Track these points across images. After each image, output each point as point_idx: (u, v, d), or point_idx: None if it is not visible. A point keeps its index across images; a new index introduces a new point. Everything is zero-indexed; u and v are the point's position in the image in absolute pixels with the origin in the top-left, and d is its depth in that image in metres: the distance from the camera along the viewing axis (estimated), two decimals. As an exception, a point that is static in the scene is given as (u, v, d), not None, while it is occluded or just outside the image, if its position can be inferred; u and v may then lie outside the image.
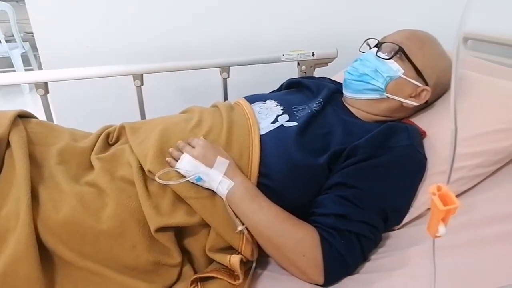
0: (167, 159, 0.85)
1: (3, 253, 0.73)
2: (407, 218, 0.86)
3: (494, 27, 1.39)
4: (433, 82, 0.97)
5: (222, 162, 0.82)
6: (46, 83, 1.21)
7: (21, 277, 0.71)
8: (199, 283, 0.78)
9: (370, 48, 1.03)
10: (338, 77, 1.29)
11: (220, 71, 1.37)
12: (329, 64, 1.47)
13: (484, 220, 0.80)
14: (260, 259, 0.84)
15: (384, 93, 0.96)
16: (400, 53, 0.95)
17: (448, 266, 0.73)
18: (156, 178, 0.79)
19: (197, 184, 0.82)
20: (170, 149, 0.87)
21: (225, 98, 1.42)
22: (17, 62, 3.42)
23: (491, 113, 0.88)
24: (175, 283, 0.81)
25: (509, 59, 1.31)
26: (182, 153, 0.85)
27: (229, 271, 0.79)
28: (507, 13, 1.35)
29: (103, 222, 0.78)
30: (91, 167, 0.91)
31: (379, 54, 0.97)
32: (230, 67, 1.36)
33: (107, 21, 1.50)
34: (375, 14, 1.70)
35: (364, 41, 1.05)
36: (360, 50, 1.04)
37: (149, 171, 0.83)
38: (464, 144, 0.87)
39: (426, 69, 0.96)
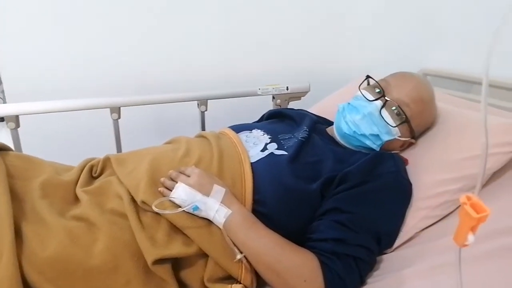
0: (160, 189, 0.84)
1: None
2: (398, 242, 0.88)
3: (452, 64, 1.52)
4: (419, 134, 1.04)
5: (219, 190, 0.82)
6: (17, 116, 1.16)
7: None
8: (198, 317, 0.76)
9: (368, 83, 1.03)
10: (313, 109, 1.34)
11: (198, 104, 1.38)
12: (301, 98, 1.52)
13: (487, 233, 0.83)
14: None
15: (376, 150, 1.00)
16: (404, 123, 0.97)
17: (441, 285, 0.75)
18: (153, 207, 0.77)
19: (192, 214, 0.80)
20: (162, 179, 0.85)
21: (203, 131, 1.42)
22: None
23: (467, 141, 0.95)
24: (171, 318, 0.77)
25: (466, 94, 1.43)
26: (176, 182, 0.83)
27: (230, 302, 0.76)
28: (465, 51, 1.49)
29: (95, 257, 0.74)
30: (76, 200, 0.87)
31: (384, 115, 0.96)
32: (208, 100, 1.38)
33: (75, 53, 1.48)
34: (346, 52, 1.80)
35: (365, 78, 1.04)
36: (360, 89, 1.02)
37: (143, 202, 0.81)
38: (446, 169, 0.92)
39: (419, 128, 1.02)
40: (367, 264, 0.81)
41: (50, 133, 1.46)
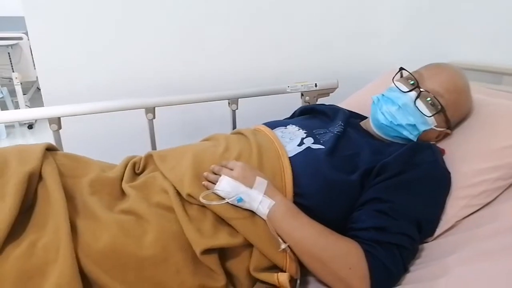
0: (203, 182, 0.86)
1: (46, 286, 0.70)
2: (438, 231, 0.89)
3: (480, 57, 1.51)
4: (455, 124, 1.04)
5: (262, 182, 0.84)
6: (59, 118, 1.21)
7: None
8: (245, 305, 0.78)
9: (401, 76, 1.03)
10: (343, 105, 1.35)
11: (229, 103, 1.41)
12: (330, 94, 1.54)
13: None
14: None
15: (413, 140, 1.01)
16: (440, 113, 0.97)
17: (487, 271, 0.76)
18: (201, 199, 0.80)
19: (236, 206, 0.83)
20: (205, 173, 0.88)
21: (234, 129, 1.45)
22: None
23: (503, 129, 0.95)
24: (219, 307, 0.80)
25: (497, 85, 1.42)
26: (219, 176, 0.86)
27: (277, 290, 0.78)
28: (493, 43, 1.48)
29: (146, 248, 0.77)
30: (123, 195, 0.90)
31: (419, 106, 0.97)
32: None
33: (110, 57, 1.53)
34: (372, 48, 1.81)
35: (399, 70, 1.05)
36: (394, 81, 1.03)
37: (189, 195, 0.83)
38: (484, 159, 0.93)
39: (454, 118, 1.02)
40: (409, 252, 0.82)
41: (87, 133, 1.51)
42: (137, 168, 1.00)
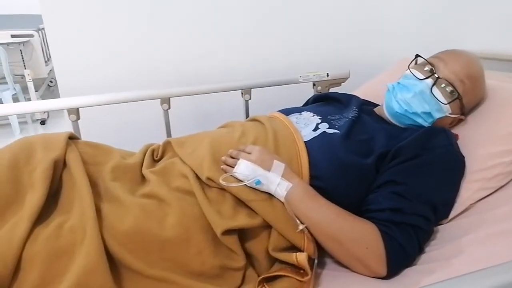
0: (222, 166, 0.89)
1: (73, 266, 0.73)
2: (453, 213, 0.91)
3: (492, 44, 1.51)
4: (469, 110, 1.04)
5: (279, 165, 0.86)
6: (77, 109, 1.24)
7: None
8: (265, 284, 0.80)
9: (416, 63, 1.03)
10: (356, 93, 1.36)
11: (242, 93, 1.43)
12: (342, 84, 1.55)
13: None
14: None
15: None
16: (456, 100, 0.97)
17: (501, 251, 0.77)
18: (220, 181, 0.82)
19: (254, 188, 0.85)
20: (223, 157, 0.90)
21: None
22: (8, 103, 3.40)
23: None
24: (239, 287, 0.82)
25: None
26: (237, 160, 0.88)
27: (295, 269, 0.80)
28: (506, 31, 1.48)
29: (168, 230, 0.79)
30: (143, 180, 0.93)
31: (436, 93, 0.97)
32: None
33: (124, 51, 1.56)
34: (383, 38, 1.82)
35: (415, 57, 1.05)
36: (410, 68, 1.03)
37: (208, 178, 0.86)
38: (498, 143, 0.94)
39: (469, 104, 1.02)
40: (425, 232, 0.84)
41: (103, 124, 1.54)
42: (155, 155, 1.02)
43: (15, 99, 3.63)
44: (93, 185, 0.86)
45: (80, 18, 1.46)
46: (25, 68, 3.58)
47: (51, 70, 4.04)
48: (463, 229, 0.86)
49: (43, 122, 3.68)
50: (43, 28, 3.80)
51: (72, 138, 0.98)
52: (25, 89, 3.63)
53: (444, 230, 0.89)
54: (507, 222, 0.82)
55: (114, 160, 0.96)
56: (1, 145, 0.87)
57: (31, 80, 3.55)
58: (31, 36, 3.62)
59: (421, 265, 0.82)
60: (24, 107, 1.15)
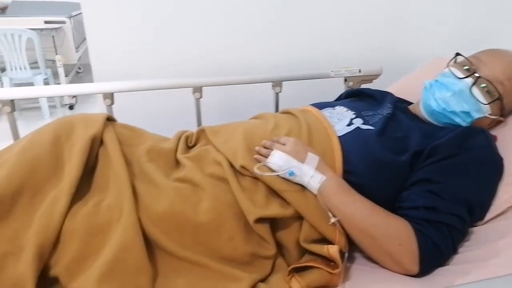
0: (255, 156, 0.89)
1: (110, 242, 0.75)
2: (489, 215, 0.88)
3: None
4: (509, 111, 1.00)
5: (313, 157, 0.86)
6: (112, 94, 1.26)
7: (130, 264, 0.73)
8: (295, 274, 0.80)
9: (456, 61, 1.01)
10: (389, 90, 1.34)
11: (273, 85, 1.43)
12: (373, 81, 1.53)
13: None
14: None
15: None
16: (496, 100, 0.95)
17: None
18: (255, 169, 0.83)
19: (287, 179, 0.85)
20: (257, 147, 0.91)
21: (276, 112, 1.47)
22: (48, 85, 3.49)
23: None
24: (268, 275, 0.82)
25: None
26: (270, 150, 0.89)
27: (326, 261, 0.81)
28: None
29: (201, 214, 0.80)
30: (177, 165, 0.94)
31: (475, 93, 0.94)
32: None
33: (158, 39, 1.58)
34: (417, 34, 1.79)
35: (455, 56, 1.02)
36: (449, 67, 1.00)
37: (242, 167, 0.86)
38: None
39: (509, 106, 0.98)
40: (459, 232, 0.82)
41: (134, 110, 1.56)
42: (189, 142, 1.04)
43: (46, 84, 3.73)
44: (128, 165, 0.88)
45: (116, 4, 1.49)
46: (56, 54, 3.67)
47: (80, 57, 4.13)
48: (499, 232, 0.84)
49: (71, 107, 3.77)
50: (74, 15, 3.88)
51: (109, 119, 1.01)
52: (55, 75, 3.72)
53: (479, 232, 0.87)
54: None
55: (149, 143, 0.98)
56: (33, 127, 0.90)
57: (61, 65, 3.64)
58: (63, 22, 3.70)
59: (454, 265, 0.80)
60: (65, 89, 1.19)
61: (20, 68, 3.38)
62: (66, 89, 1.19)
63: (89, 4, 1.48)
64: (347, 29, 1.73)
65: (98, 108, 1.51)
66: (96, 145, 0.90)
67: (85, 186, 0.84)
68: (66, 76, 3.75)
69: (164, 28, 1.57)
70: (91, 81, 1.55)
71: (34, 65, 3.53)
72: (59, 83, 3.76)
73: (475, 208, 0.85)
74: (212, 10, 1.58)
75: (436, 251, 0.78)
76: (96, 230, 0.76)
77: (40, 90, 1.12)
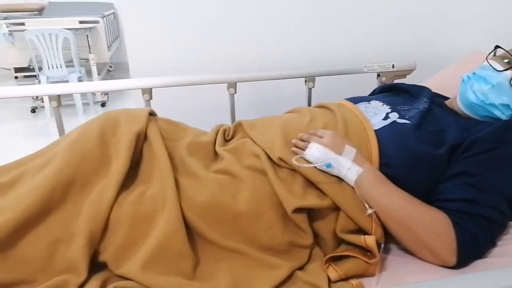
0: (292, 148, 0.91)
1: (155, 230, 0.79)
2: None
3: None
4: None
5: (351, 150, 0.88)
6: (150, 89, 1.31)
7: (174, 250, 0.77)
8: (332, 263, 0.82)
9: (495, 54, 1.00)
10: (425, 84, 1.34)
11: (305, 81, 1.45)
12: (406, 76, 1.53)
13: None
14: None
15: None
16: None
17: None
18: (293, 161, 0.85)
19: (324, 171, 0.87)
20: (294, 140, 0.93)
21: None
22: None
23: None
24: (305, 264, 0.85)
25: None
26: (308, 143, 0.91)
27: (362, 251, 0.82)
28: None
29: (241, 204, 0.83)
30: (216, 157, 0.98)
31: None
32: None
33: (193, 37, 1.62)
34: (451, 29, 1.77)
35: (494, 49, 1.01)
36: (488, 60, 0.99)
37: (280, 159, 0.89)
38: None
39: None
40: (498, 226, 0.82)
41: (169, 106, 1.62)
42: (226, 135, 1.07)
43: (80, 82, 3.86)
44: (170, 158, 0.92)
45: (154, 4, 1.54)
46: (90, 53, 3.80)
47: (112, 56, 4.26)
48: (538, 226, 0.83)
49: (103, 104, 3.88)
50: (108, 15, 4.00)
51: (151, 114, 1.05)
52: (88, 73, 3.85)
53: (518, 226, 0.87)
54: None
55: (189, 137, 1.02)
56: (67, 124, 0.94)
57: (94, 64, 3.76)
58: (97, 22, 3.82)
59: (492, 258, 0.80)
60: (108, 85, 1.24)
61: (57, 67, 3.51)
62: (108, 84, 1.25)
63: (126, 2, 1.54)
64: (380, 24, 1.73)
65: (130, 105, 1.57)
66: (140, 140, 0.94)
67: (130, 178, 0.89)
68: (98, 74, 3.87)
69: (199, 25, 1.61)
70: (121, 78, 1.61)
71: (68, 63, 3.66)
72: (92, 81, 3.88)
73: (515, 201, 0.84)
74: (246, 7, 1.61)
75: (474, 243, 0.78)
76: (141, 218, 0.81)
77: (85, 86, 1.19)
